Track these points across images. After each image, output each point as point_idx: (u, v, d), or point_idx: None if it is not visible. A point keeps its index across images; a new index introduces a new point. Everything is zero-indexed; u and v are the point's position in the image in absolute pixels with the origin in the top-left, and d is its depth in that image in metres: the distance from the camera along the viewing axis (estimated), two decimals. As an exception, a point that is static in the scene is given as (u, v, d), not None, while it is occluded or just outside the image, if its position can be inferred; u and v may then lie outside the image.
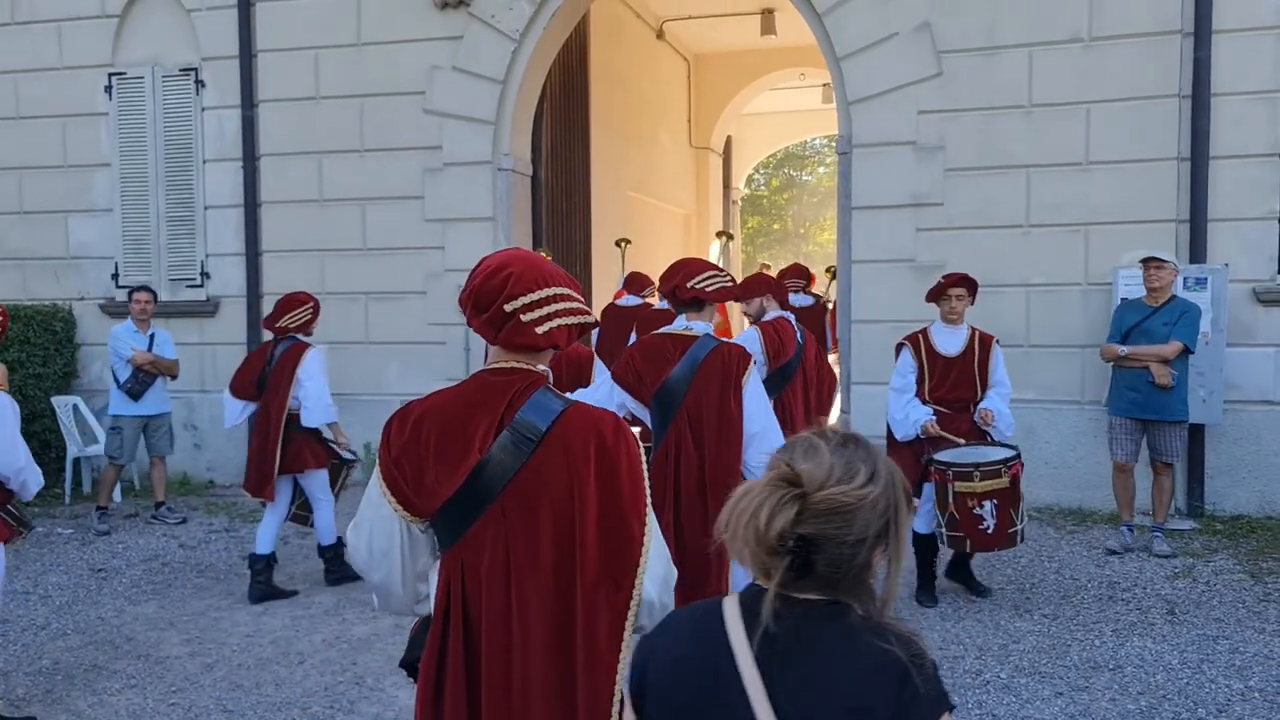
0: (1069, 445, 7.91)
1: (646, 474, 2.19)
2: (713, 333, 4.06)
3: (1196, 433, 7.60)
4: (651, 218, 13.83)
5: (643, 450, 2.21)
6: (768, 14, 13.24)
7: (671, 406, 3.87)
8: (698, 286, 3.99)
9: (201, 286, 9.67)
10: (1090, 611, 5.66)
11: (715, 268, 4.12)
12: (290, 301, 6.37)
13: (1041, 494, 7.91)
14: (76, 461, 9.18)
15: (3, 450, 4.46)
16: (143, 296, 8.27)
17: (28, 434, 9.17)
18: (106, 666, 5.18)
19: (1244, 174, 7.54)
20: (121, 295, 9.84)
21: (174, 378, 8.43)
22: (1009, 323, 7.97)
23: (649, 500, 2.16)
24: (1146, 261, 6.71)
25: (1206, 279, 7.41)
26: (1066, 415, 7.92)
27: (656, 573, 2.14)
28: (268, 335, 6.72)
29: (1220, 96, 7.55)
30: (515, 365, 2.23)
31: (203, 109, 9.66)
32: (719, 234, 14.35)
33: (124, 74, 9.78)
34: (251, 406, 6.35)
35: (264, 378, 6.26)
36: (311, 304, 6.41)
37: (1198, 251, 7.60)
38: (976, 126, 8.03)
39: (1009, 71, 7.95)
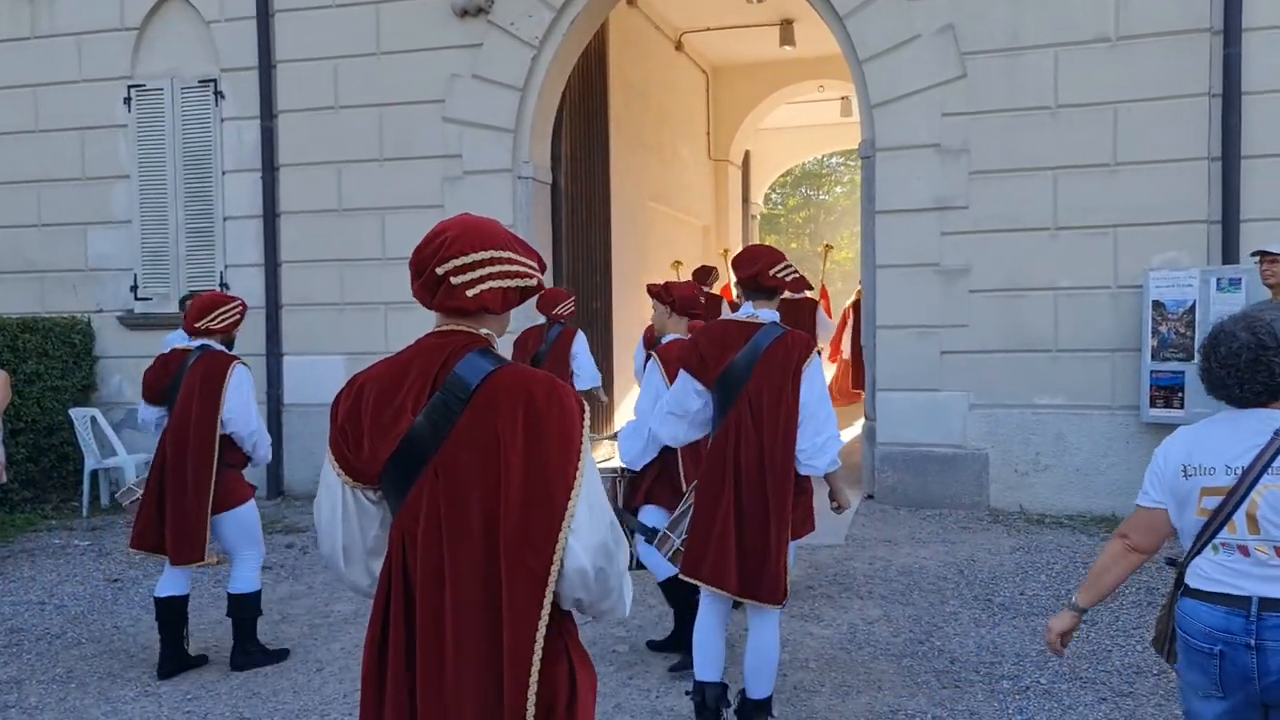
0: (1100, 452, 7.74)
1: (586, 438, 2.10)
2: (778, 320, 4.05)
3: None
4: (671, 228, 13.75)
5: (586, 416, 2.14)
6: (786, 24, 13.18)
7: (734, 390, 3.88)
8: (777, 276, 4.01)
9: (220, 298, 9.61)
10: (1130, 617, 5.49)
11: (785, 258, 4.10)
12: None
13: (1073, 501, 7.75)
14: (94, 474, 9.12)
15: (239, 412, 4.93)
16: None
17: (46, 446, 9.23)
18: (121, 675, 5.08)
19: (1277, 172, 7.39)
20: (140, 307, 9.83)
21: None
22: (1035, 327, 7.84)
23: (583, 465, 2.06)
24: (1260, 255, 6.21)
25: (1241, 280, 7.25)
26: (1097, 421, 7.75)
27: (589, 540, 2.04)
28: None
29: (1251, 95, 7.42)
30: (455, 328, 2.20)
31: (222, 120, 9.65)
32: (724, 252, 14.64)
33: (143, 86, 9.79)
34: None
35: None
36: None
37: (1230, 252, 7.45)
38: (1001, 128, 7.92)
39: (1034, 72, 7.84)
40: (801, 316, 12.65)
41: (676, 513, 4.23)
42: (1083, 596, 2.93)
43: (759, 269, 3.99)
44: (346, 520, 2.20)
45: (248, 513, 5.13)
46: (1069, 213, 7.81)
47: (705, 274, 10.63)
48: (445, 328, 2.21)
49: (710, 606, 4.02)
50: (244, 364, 5.12)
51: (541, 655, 2.04)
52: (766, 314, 4.03)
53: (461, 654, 2.06)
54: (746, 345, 3.90)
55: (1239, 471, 2.55)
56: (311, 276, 9.41)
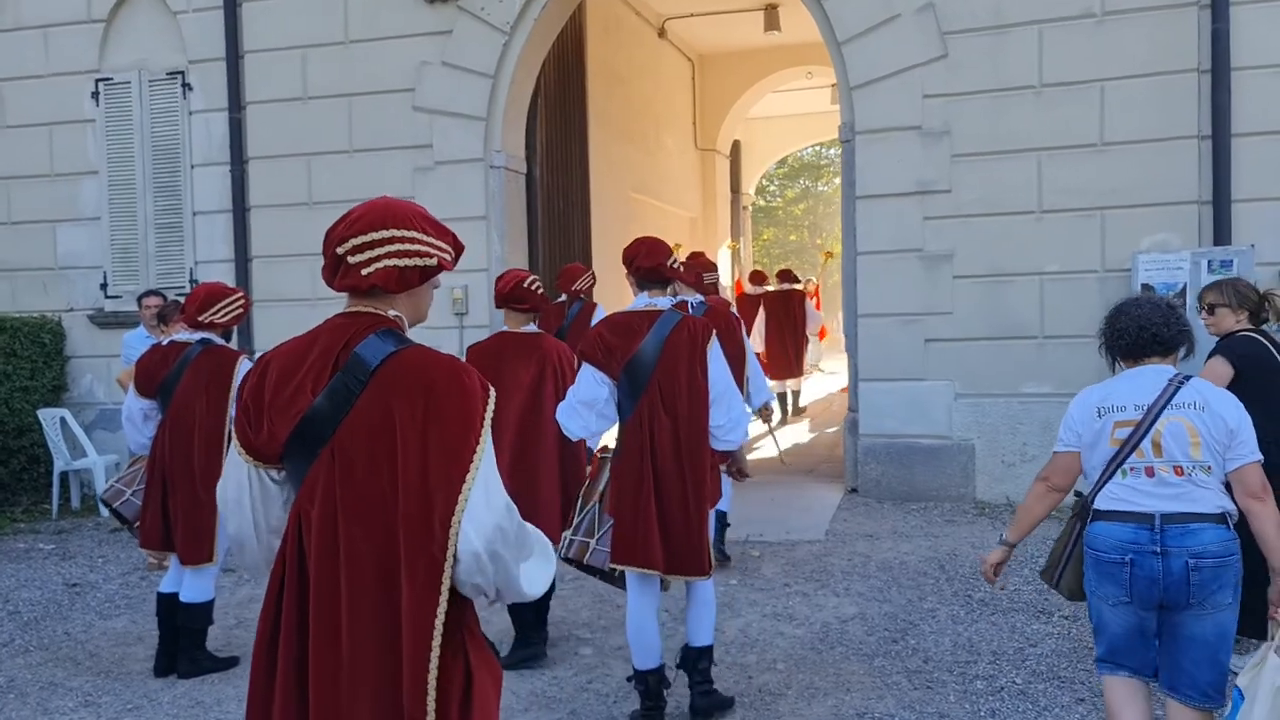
0: (1089, 441, 7.51)
1: (487, 422, 2.06)
2: (672, 308, 4.21)
3: (1224, 424, 7.23)
4: (655, 220, 13.50)
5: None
6: (771, 9, 12.95)
7: (643, 377, 4.00)
8: (672, 266, 4.26)
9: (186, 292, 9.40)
10: (1114, 613, 5.27)
11: (669, 249, 4.31)
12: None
13: (1061, 492, 7.53)
14: (64, 476, 8.93)
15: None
16: (153, 301, 7.90)
17: (15, 448, 9.04)
18: (64, 684, 4.88)
19: (1268, 151, 7.16)
20: (110, 305, 9.64)
21: None
22: (1021, 313, 7.62)
23: (481, 448, 2.03)
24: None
25: (1232, 261, 7.02)
26: (1086, 409, 7.52)
27: (483, 521, 2.00)
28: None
29: (1241, 70, 7.19)
30: (362, 309, 2.17)
31: (190, 113, 9.44)
32: (730, 245, 14.57)
33: (110, 79, 9.59)
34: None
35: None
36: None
37: (1221, 233, 7.22)
38: (984, 109, 7.69)
39: (1018, 51, 7.61)
40: (791, 306, 12.54)
41: (585, 516, 4.11)
42: (1011, 533, 3.47)
43: (659, 260, 4.18)
44: (251, 500, 2.17)
45: None
46: (1054, 195, 7.59)
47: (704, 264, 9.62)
48: (353, 309, 2.18)
49: (639, 594, 4.06)
50: (249, 358, 4.94)
51: (440, 644, 2.00)
52: (664, 301, 4.21)
53: (356, 639, 2.02)
54: (650, 333, 4.03)
55: (1144, 408, 3.10)
56: (282, 272, 9.20)
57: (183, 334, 5.04)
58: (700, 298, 6.46)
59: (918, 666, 4.70)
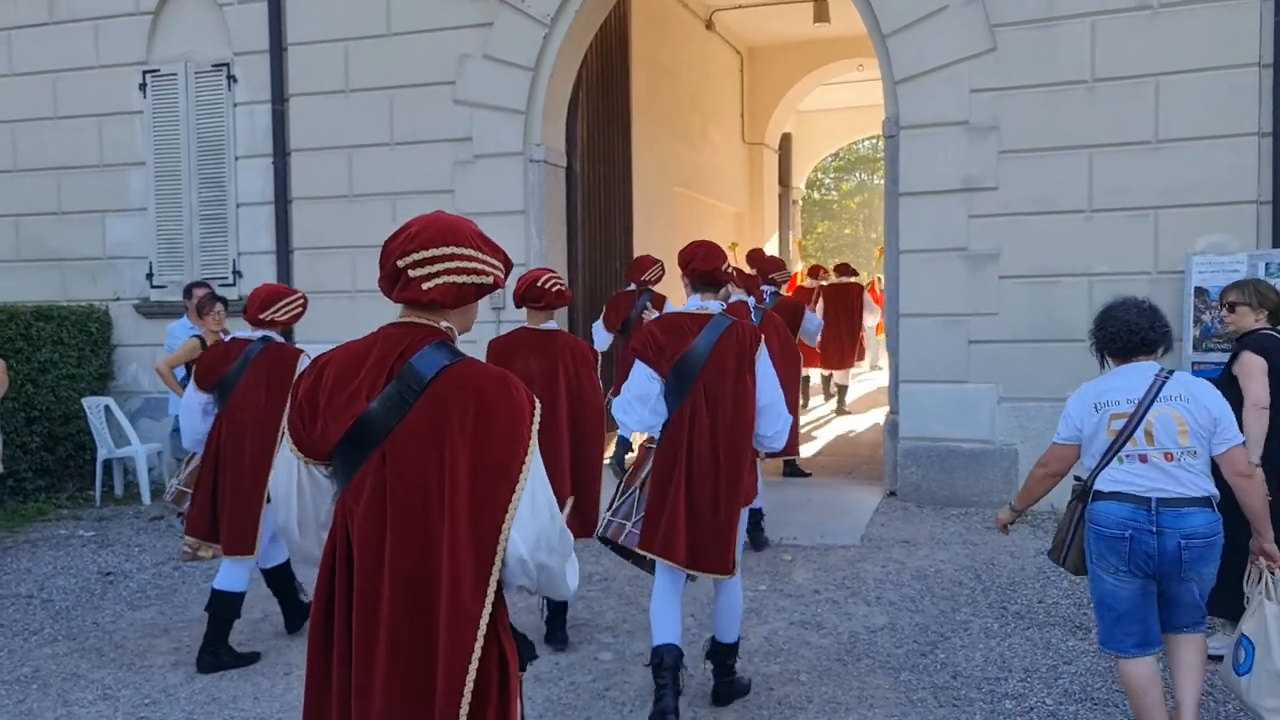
0: (1138, 448, 7.26)
1: (534, 434, 2.18)
2: (724, 311, 4.33)
3: None
4: (701, 215, 13.37)
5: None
6: (820, 0, 12.72)
7: (689, 378, 4.11)
8: (727, 271, 4.39)
9: (234, 285, 9.48)
10: (1155, 631, 5.07)
11: (725, 254, 4.42)
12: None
13: (1108, 501, 7.29)
14: (108, 463, 9.06)
15: None
16: (201, 291, 7.95)
17: (62, 435, 9.18)
18: (86, 675, 4.92)
19: (1333, 149, 6.85)
20: (156, 295, 9.76)
21: None
22: (1069, 315, 7.36)
23: (529, 460, 2.15)
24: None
25: (1291, 265, 6.73)
26: (1135, 415, 7.26)
27: (529, 531, 2.13)
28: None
29: (1306, 65, 6.88)
30: (416, 320, 2.28)
31: (235, 105, 9.50)
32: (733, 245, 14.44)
33: (158, 71, 9.68)
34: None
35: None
36: (301, 298, 5.19)
37: (1281, 235, 6.93)
38: (1034, 104, 7.45)
39: (1069, 44, 7.36)
40: (849, 299, 12.48)
41: (626, 500, 4.24)
42: (1018, 501, 4.04)
43: (715, 264, 4.28)
44: (301, 494, 2.29)
45: None
46: (1106, 194, 7.33)
47: (774, 264, 9.02)
48: (406, 319, 2.29)
49: (665, 579, 4.17)
50: (308, 355, 4.99)
51: (482, 644, 2.12)
52: (715, 305, 4.31)
53: (395, 630, 2.14)
54: (700, 335, 4.14)
55: (1136, 401, 3.52)
56: (323, 264, 9.24)
57: (244, 331, 5.14)
58: (751, 298, 6.66)
59: (945, 682, 4.55)
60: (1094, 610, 3.74)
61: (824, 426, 12.02)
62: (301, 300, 5.16)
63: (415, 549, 2.14)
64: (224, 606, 4.98)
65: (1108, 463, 3.54)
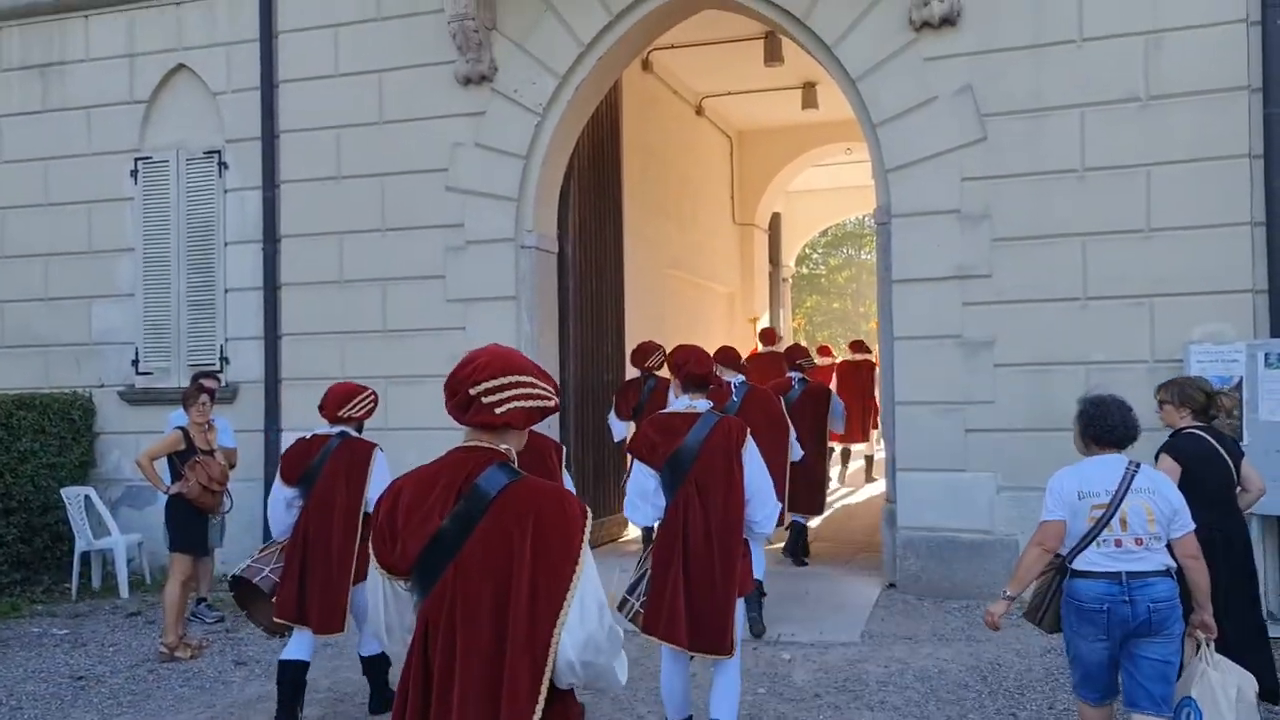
0: (1141, 539, 7.12)
1: (585, 544, 2.42)
2: (712, 409, 4.71)
3: (1286, 526, 6.84)
4: (692, 296, 13.36)
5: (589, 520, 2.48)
6: (809, 87, 12.89)
7: (681, 471, 4.46)
8: (717, 375, 4.86)
9: (221, 372, 9.37)
10: None
11: (712, 359, 4.91)
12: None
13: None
14: (86, 555, 8.83)
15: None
16: (210, 384, 7.74)
17: (40, 526, 8.96)
18: (54, 794, 4.68)
19: (1326, 238, 6.85)
20: (141, 381, 9.63)
21: (233, 466, 7.73)
22: (1066, 404, 7.10)
23: (580, 567, 2.38)
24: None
25: (1290, 354, 6.68)
26: (1137, 506, 7.14)
27: (577, 635, 2.34)
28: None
29: (1295, 155, 6.91)
30: (479, 444, 2.56)
31: (225, 190, 9.49)
32: (752, 320, 15.78)
33: (150, 158, 9.69)
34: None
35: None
36: (372, 394, 5.61)
37: (1279, 324, 6.89)
38: (1025, 193, 7.47)
39: (1059, 134, 7.40)
40: (862, 374, 12.61)
41: (634, 578, 4.67)
42: (1012, 588, 4.22)
43: (706, 369, 4.70)
44: (388, 606, 2.57)
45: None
46: (1100, 282, 7.32)
47: (799, 352, 9.77)
48: (470, 444, 2.57)
49: (671, 660, 4.58)
50: (382, 449, 5.48)
51: None
52: (703, 404, 4.68)
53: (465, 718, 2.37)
54: (690, 432, 4.50)
55: (1111, 493, 3.99)
56: (312, 350, 9.14)
57: (322, 428, 5.52)
58: (741, 378, 7.35)
59: (955, 800, 4.35)
60: (1069, 664, 4.22)
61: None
62: (373, 396, 5.60)
63: (483, 649, 2.38)
64: (291, 673, 5.22)
65: (1086, 546, 3.98)
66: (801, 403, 8.73)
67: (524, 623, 2.34)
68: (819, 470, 9.14)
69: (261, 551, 5.53)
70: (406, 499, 2.52)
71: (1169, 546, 4.01)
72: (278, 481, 5.41)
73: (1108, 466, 4.06)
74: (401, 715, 2.47)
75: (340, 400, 5.45)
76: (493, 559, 2.40)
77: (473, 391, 2.50)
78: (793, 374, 9.12)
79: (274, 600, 5.26)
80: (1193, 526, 4.04)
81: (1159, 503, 3.99)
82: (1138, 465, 4.06)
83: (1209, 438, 4.93)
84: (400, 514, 2.50)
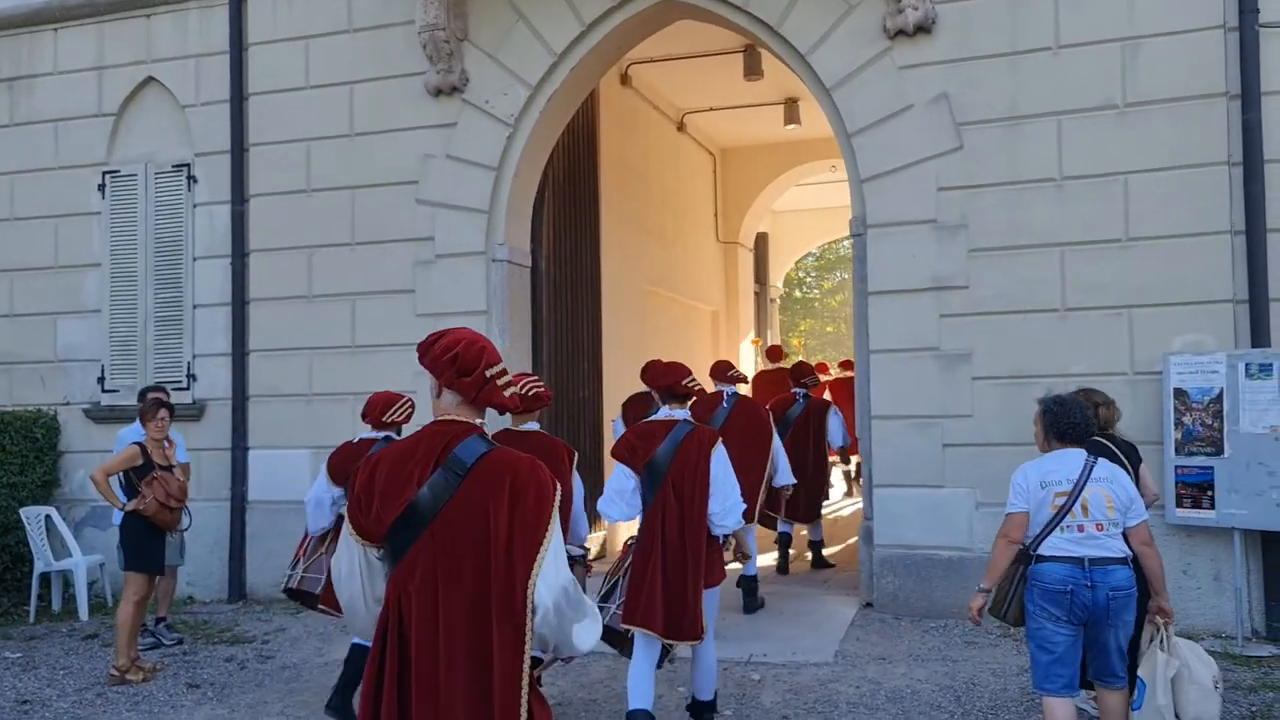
0: (1123, 556, 6.93)
1: (555, 508, 2.59)
2: (689, 418, 5.18)
3: (1273, 540, 6.64)
4: (674, 314, 13.19)
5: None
6: (791, 103, 12.78)
7: (660, 474, 4.94)
8: (687, 385, 5.17)
9: (188, 389, 9.18)
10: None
11: (691, 372, 5.24)
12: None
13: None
14: (46, 577, 8.61)
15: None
16: (156, 396, 7.59)
17: (0, 547, 8.73)
18: (-23, 823, 4.46)
19: (1308, 247, 6.71)
20: (106, 399, 9.43)
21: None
22: (1047, 417, 7.09)
23: (551, 527, 2.56)
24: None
25: (1272, 365, 6.52)
26: (1119, 521, 6.95)
27: (552, 581, 2.53)
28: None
29: (1275, 162, 6.80)
30: (457, 419, 2.73)
31: (194, 205, 9.34)
32: (755, 341, 16.22)
33: (117, 172, 9.54)
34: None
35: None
36: (409, 401, 5.95)
37: (1259, 334, 6.74)
38: (1002, 202, 7.33)
39: (1036, 142, 7.27)
40: (851, 393, 12.39)
41: (606, 587, 5.02)
42: (986, 581, 4.46)
43: (674, 380, 5.15)
44: (360, 574, 2.68)
45: None
46: (1079, 292, 7.16)
47: (804, 370, 10.29)
48: (445, 418, 2.74)
49: (642, 651, 4.88)
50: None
51: (527, 689, 2.52)
52: (680, 413, 5.14)
53: (453, 682, 2.51)
54: (667, 438, 4.98)
55: (1073, 481, 4.27)
56: (279, 366, 8.96)
57: (368, 432, 5.85)
58: (734, 389, 7.98)
59: (921, 826, 4.15)
60: (1030, 658, 4.37)
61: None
62: (410, 403, 5.94)
63: (465, 610, 2.51)
64: (361, 659, 5.18)
65: (1049, 532, 4.25)
66: (805, 418, 9.52)
67: (504, 575, 2.50)
68: (819, 480, 9.75)
69: (309, 559, 5.86)
70: (385, 468, 2.66)
71: (1125, 535, 4.27)
72: (324, 481, 5.76)
73: (1069, 459, 4.35)
74: (378, 684, 2.56)
75: (383, 407, 5.83)
76: (471, 521, 2.54)
77: (489, 373, 2.70)
78: (797, 390, 9.77)
79: (319, 594, 5.72)
80: (1146, 515, 4.37)
81: (1117, 491, 4.29)
82: (1095, 458, 4.36)
83: (1111, 445, 5.11)
84: (378, 482, 2.64)
